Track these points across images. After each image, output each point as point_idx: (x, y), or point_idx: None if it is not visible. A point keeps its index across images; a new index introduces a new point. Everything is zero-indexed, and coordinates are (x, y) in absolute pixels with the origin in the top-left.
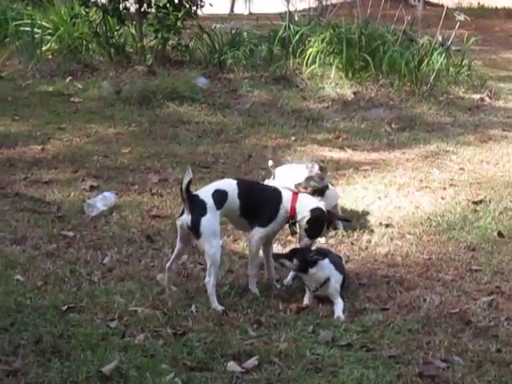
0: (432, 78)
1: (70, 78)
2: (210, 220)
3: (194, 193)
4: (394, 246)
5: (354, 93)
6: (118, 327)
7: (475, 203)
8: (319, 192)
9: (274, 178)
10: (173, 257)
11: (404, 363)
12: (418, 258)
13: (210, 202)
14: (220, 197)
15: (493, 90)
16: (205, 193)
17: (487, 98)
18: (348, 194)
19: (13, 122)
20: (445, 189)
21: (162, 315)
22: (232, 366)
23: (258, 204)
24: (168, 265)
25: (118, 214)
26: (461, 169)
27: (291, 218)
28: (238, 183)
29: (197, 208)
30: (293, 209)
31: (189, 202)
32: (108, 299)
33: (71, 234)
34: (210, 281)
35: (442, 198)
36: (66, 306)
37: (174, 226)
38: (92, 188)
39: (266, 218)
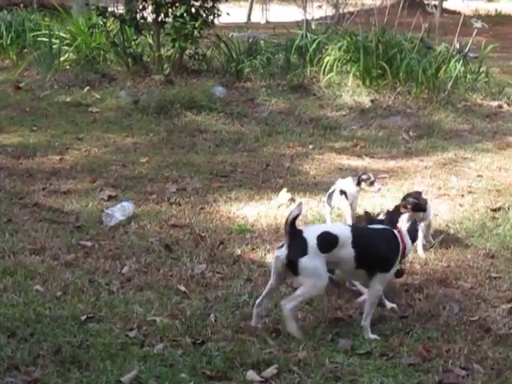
0: (449, 85)
1: (88, 88)
2: (311, 261)
3: (299, 228)
4: (413, 254)
5: (372, 101)
6: (137, 337)
7: (494, 210)
8: (420, 207)
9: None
10: (264, 293)
11: (424, 371)
12: (436, 266)
13: (312, 242)
14: (328, 241)
15: (511, 96)
16: (310, 232)
17: (505, 105)
18: (366, 202)
19: (31, 132)
20: (463, 196)
21: (180, 324)
22: (251, 375)
23: (376, 250)
24: (257, 301)
25: (136, 224)
26: (479, 176)
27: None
28: (351, 230)
29: (296, 245)
30: (403, 246)
31: (290, 237)
32: (127, 309)
33: (90, 243)
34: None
35: (461, 206)
36: (85, 316)
37: (193, 235)
38: (110, 198)
39: (388, 261)
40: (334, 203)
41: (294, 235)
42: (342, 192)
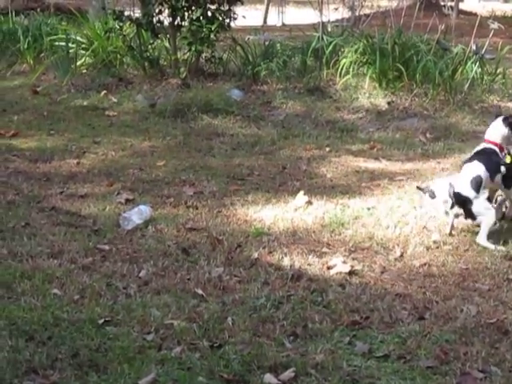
0: (466, 86)
1: (105, 91)
2: None
3: None
4: (430, 256)
5: (388, 103)
6: (154, 340)
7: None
8: None
9: (430, 196)
10: None
11: (441, 374)
12: (454, 268)
13: None
14: None
15: None
16: None
17: None
18: (383, 205)
19: (48, 136)
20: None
21: (198, 328)
22: (268, 378)
23: None
24: None
25: (153, 227)
26: None
27: None
28: None
29: None
30: None
31: None
32: (144, 312)
33: (107, 247)
34: None
35: None
36: (103, 320)
37: (210, 238)
38: (127, 201)
39: None
40: None
41: None
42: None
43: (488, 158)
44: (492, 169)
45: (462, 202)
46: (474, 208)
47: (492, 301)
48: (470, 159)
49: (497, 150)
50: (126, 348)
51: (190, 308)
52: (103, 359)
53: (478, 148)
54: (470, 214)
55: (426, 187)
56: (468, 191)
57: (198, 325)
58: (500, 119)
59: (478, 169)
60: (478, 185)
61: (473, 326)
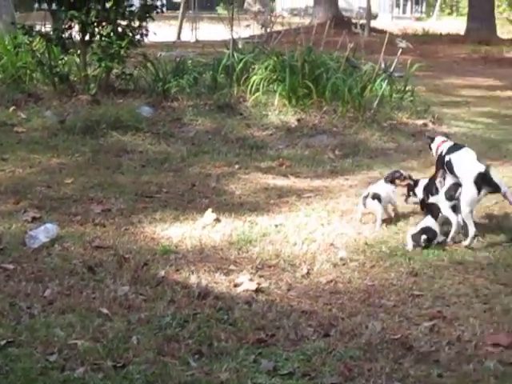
0: (375, 104)
1: (14, 107)
2: None
3: None
4: (337, 272)
5: (298, 120)
6: (57, 361)
7: None
8: None
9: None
10: None
11: None
12: (360, 285)
13: None
14: None
15: (436, 115)
16: None
17: (430, 124)
18: (291, 222)
19: None
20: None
21: (102, 348)
22: None
23: None
24: None
25: (59, 246)
26: (403, 195)
27: None
28: None
29: None
30: None
31: None
32: (48, 332)
33: (11, 266)
34: None
35: (385, 224)
36: (5, 341)
37: (117, 256)
38: (34, 219)
39: None
40: (368, 207)
41: None
42: (375, 197)
43: None
44: None
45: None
46: None
47: (397, 317)
48: None
49: None
50: (29, 369)
51: (94, 327)
52: (4, 381)
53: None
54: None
55: (369, 193)
56: None
57: (102, 344)
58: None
59: None
60: None
61: (377, 342)
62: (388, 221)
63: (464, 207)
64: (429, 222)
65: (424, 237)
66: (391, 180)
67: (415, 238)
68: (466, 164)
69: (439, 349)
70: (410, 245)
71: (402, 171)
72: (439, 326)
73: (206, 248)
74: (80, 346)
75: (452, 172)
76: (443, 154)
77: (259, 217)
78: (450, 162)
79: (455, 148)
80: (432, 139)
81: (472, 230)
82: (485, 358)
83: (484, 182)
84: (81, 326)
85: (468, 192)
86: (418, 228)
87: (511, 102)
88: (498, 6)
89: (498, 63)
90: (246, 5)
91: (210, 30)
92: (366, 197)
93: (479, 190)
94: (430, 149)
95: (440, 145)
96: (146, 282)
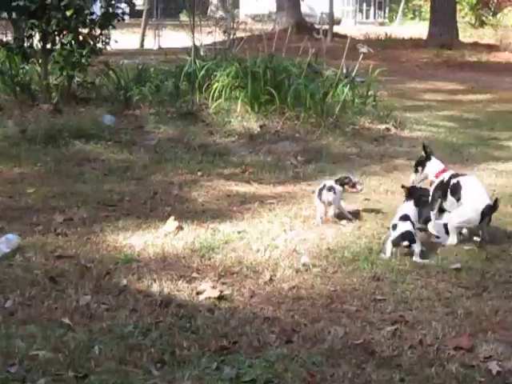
0: (337, 109)
1: None
2: None
3: None
4: (299, 278)
5: (261, 126)
6: (18, 372)
7: (380, 233)
8: None
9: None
10: None
11: None
12: (322, 291)
13: None
14: None
15: (398, 119)
16: None
17: (392, 128)
18: (254, 228)
19: None
20: (350, 220)
21: (63, 358)
22: None
23: None
24: None
25: (21, 256)
26: (366, 199)
27: None
28: None
29: None
30: None
31: None
32: (8, 344)
33: None
34: None
35: (347, 229)
36: None
37: (79, 266)
38: None
39: None
40: (324, 198)
41: None
42: (331, 188)
43: None
44: None
45: None
46: None
47: (359, 322)
48: None
49: None
50: None
51: (56, 338)
52: None
53: None
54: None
55: (325, 185)
56: None
57: (63, 355)
58: None
59: None
60: None
61: (340, 347)
62: (351, 225)
63: (457, 223)
64: (408, 226)
65: (406, 243)
66: (341, 183)
67: (395, 242)
68: (477, 192)
69: (401, 353)
70: (388, 252)
71: (352, 177)
72: (401, 330)
73: (168, 256)
74: (41, 356)
75: (455, 194)
76: (446, 179)
77: (222, 224)
78: (457, 184)
79: (461, 174)
80: (428, 156)
81: (454, 240)
82: (447, 361)
83: (488, 214)
84: (42, 337)
85: (470, 216)
86: (397, 233)
87: (473, 105)
88: (459, 10)
89: (460, 67)
90: (209, 11)
91: (173, 38)
92: (321, 189)
93: (482, 219)
94: (421, 166)
95: (440, 173)
96: (108, 291)
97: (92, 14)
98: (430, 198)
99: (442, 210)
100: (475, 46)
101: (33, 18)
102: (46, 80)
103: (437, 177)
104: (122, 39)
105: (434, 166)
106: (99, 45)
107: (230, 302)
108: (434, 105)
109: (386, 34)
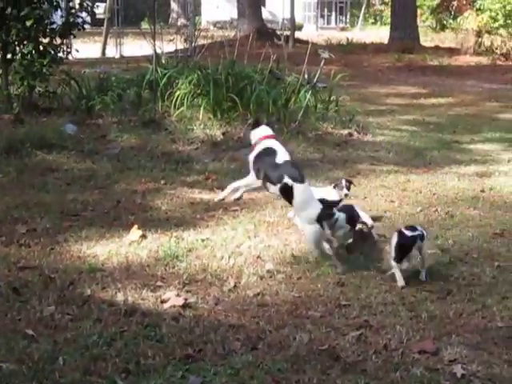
0: (300, 115)
1: None
2: None
3: None
4: (264, 285)
5: (223, 133)
6: None
7: None
8: None
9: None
10: None
11: None
12: (287, 297)
13: None
14: None
15: (361, 124)
16: None
17: (355, 133)
18: (218, 236)
19: None
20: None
21: (27, 370)
22: None
23: None
24: None
25: None
26: None
27: None
28: None
29: None
30: None
31: None
32: None
33: None
34: None
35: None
36: None
37: (42, 276)
38: None
39: None
40: None
41: None
42: None
43: None
44: None
45: None
46: None
47: (324, 327)
48: None
49: None
50: None
51: (19, 349)
52: None
53: None
54: None
55: None
56: None
57: (27, 366)
58: None
59: None
60: None
61: (305, 353)
62: None
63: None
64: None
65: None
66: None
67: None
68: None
69: (366, 358)
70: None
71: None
72: (366, 335)
73: (132, 265)
74: (5, 368)
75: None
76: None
77: (186, 232)
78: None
79: None
80: None
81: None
82: (411, 365)
83: None
84: (5, 349)
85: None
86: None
87: (435, 109)
88: (420, 14)
89: (422, 71)
90: (170, 19)
91: (135, 46)
92: None
93: None
94: None
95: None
96: (72, 302)
97: (52, 23)
98: None
99: None
100: (436, 49)
101: None
102: (6, 90)
103: None
104: (84, 48)
105: None
106: (60, 54)
107: (194, 310)
108: (396, 109)
109: (348, 39)
